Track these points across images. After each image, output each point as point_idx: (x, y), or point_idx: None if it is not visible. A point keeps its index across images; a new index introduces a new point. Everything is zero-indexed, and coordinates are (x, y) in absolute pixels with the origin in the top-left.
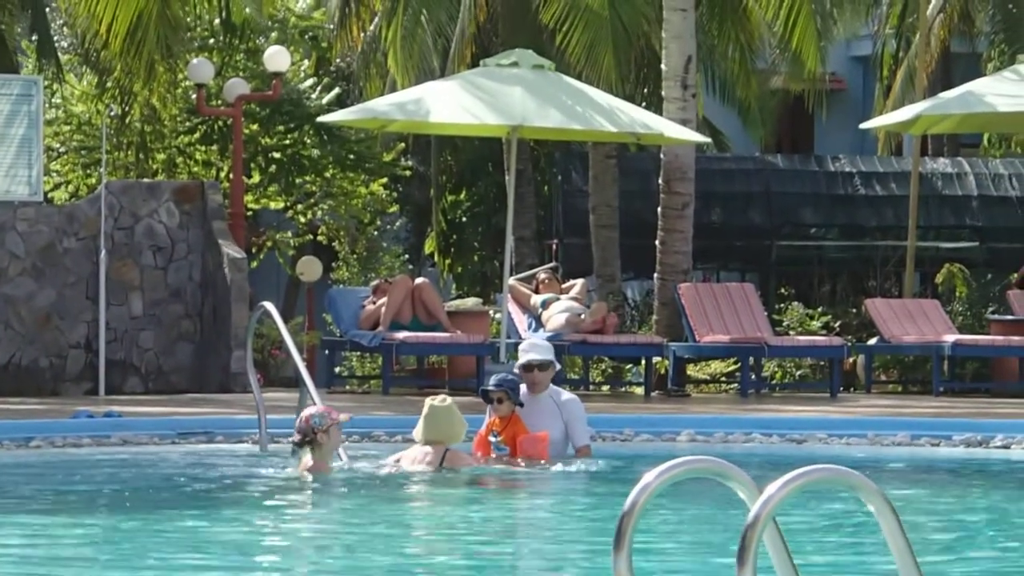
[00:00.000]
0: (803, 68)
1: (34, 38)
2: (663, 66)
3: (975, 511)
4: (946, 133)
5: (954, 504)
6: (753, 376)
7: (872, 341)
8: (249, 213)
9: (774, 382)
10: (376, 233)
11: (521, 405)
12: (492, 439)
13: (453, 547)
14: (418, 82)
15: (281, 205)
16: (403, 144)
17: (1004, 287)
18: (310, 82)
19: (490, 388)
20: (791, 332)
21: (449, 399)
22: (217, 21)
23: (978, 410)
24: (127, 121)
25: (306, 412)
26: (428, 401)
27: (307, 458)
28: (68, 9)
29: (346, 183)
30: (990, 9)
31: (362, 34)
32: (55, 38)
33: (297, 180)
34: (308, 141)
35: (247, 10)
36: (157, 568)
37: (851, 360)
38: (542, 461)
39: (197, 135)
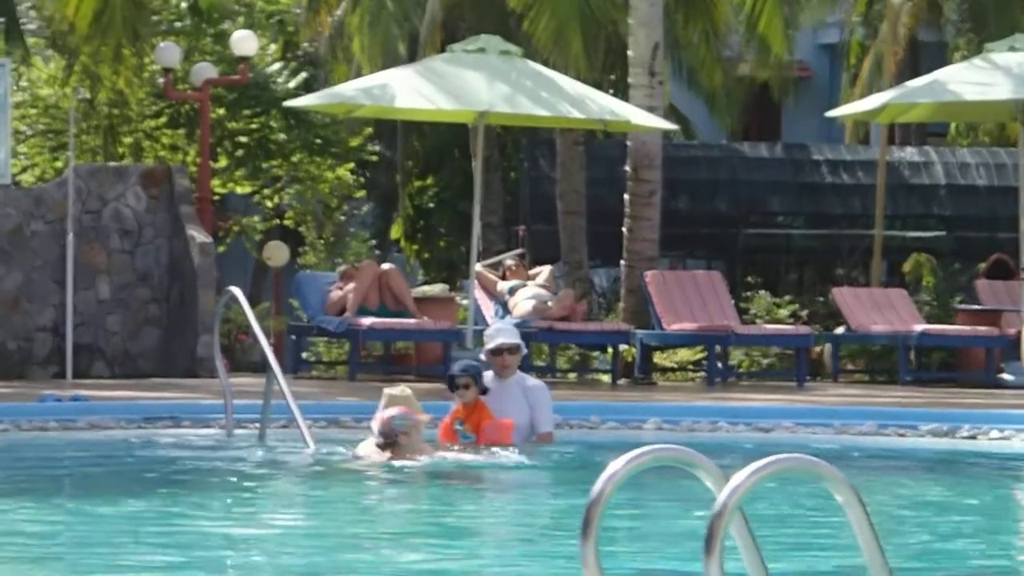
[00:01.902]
0: (769, 54)
1: (1, 21)
2: (630, 53)
3: (940, 501)
4: (913, 122)
5: (920, 494)
6: (720, 364)
7: (839, 330)
8: (216, 197)
9: (741, 371)
10: (343, 218)
11: (486, 391)
12: (458, 427)
13: (411, 540)
14: (383, 67)
15: (248, 190)
16: (370, 129)
17: (971, 277)
18: (277, 66)
19: (456, 374)
20: (758, 321)
21: (406, 388)
22: (184, 5)
23: (945, 400)
24: (94, 105)
25: (386, 413)
26: (385, 391)
27: (367, 446)
28: None
29: (313, 168)
30: None
31: (329, 19)
32: (22, 21)
33: (264, 164)
34: (275, 125)
35: None
36: (122, 552)
37: (818, 349)
38: (507, 447)
39: (164, 119)
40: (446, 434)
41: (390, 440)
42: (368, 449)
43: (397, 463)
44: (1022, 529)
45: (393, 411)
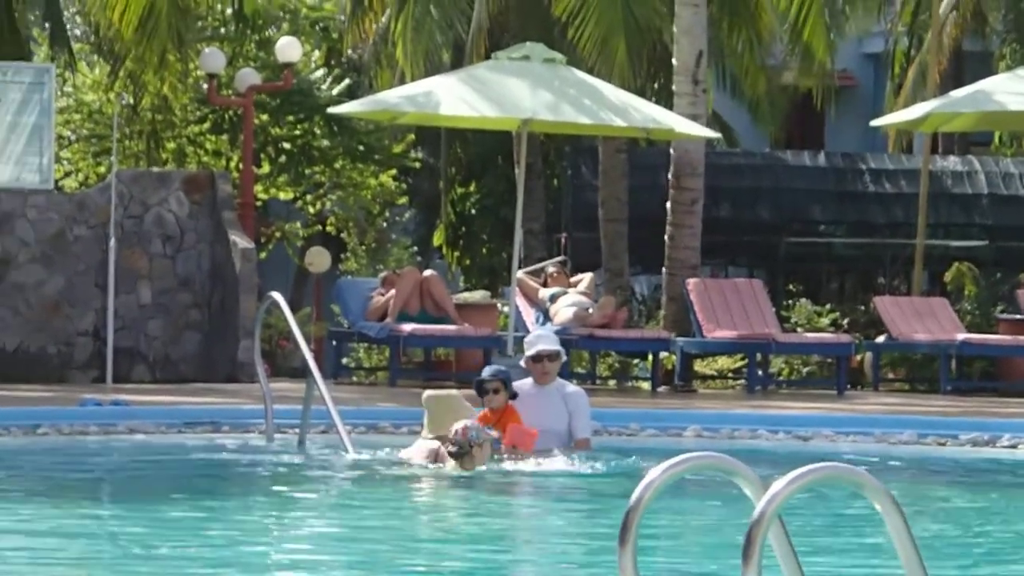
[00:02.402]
0: (813, 63)
1: (47, 26)
2: (674, 61)
3: (982, 511)
4: (957, 131)
5: (961, 503)
6: (760, 372)
7: (880, 339)
8: (258, 203)
9: (781, 379)
10: (385, 225)
11: (515, 396)
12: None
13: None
14: (427, 75)
15: (290, 196)
16: (413, 136)
17: (1013, 286)
18: (321, 73)
19: (486, 378)
20: (799, 329)
21: (453, 393)
22: (229, 11)
23: (985, 409)
24: (138, 110)
25: (463, 424)
26: (425, 395)
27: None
28: None
29: (355, 174)
30: (1003, 8)
31: (374, 25)
32: (67, 26)
33: (306, 171)
34: (318, 132)
35: (259, 0)
36: (161, 558)
37: (858, 358)
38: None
39: (207, 124)
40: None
41: (464, 451)
42: (415, 453)
43: (450, 470)
44: None
45: (470, 422)
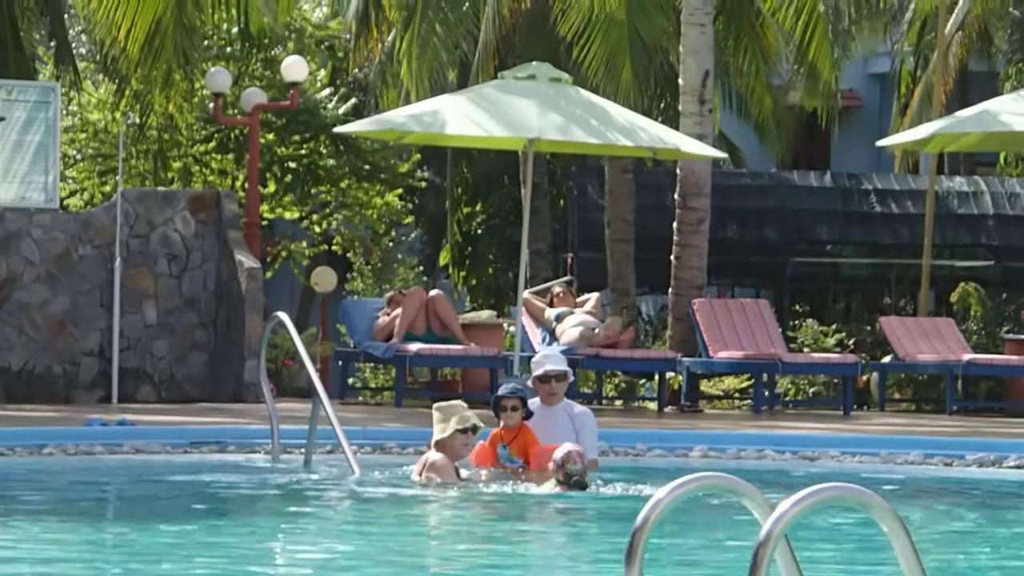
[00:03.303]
0: (819, 83)
1: (52, 45)
2: (680, 81)
3: (986, 531)
4: (963, 151)
5: (968, 524)
6: (766, 392)
7: (886, 359)
8: (264, 223)
9: (787, 399)
10: (391, 244)
11: (530, 416)
12: (501, 450)
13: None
14: (432, 94)
15: (296, 215)
16: (418, 155)
17: (1019, 306)
18: (326, 92)
19: (504, 395)
20: (805, 349)
21: (459, 403)
22: (235, 30)
23: (991, 429)
24: (144, 129)
25: (568, 452)
26: (436, 406)
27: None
28: (87, 15)
29: (361, 194)
30: (1008, 28)
31: (379, 44)
32: (73, 45)
33: (312, 190)
34: (324, 151)
35: (265, 19)
36: (164, 567)
37: (865, 378)
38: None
39: (213, 144)
40: (483, 457)
41: (580, 480)
42: (416, 468)
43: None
44: None
45: (572, 448)
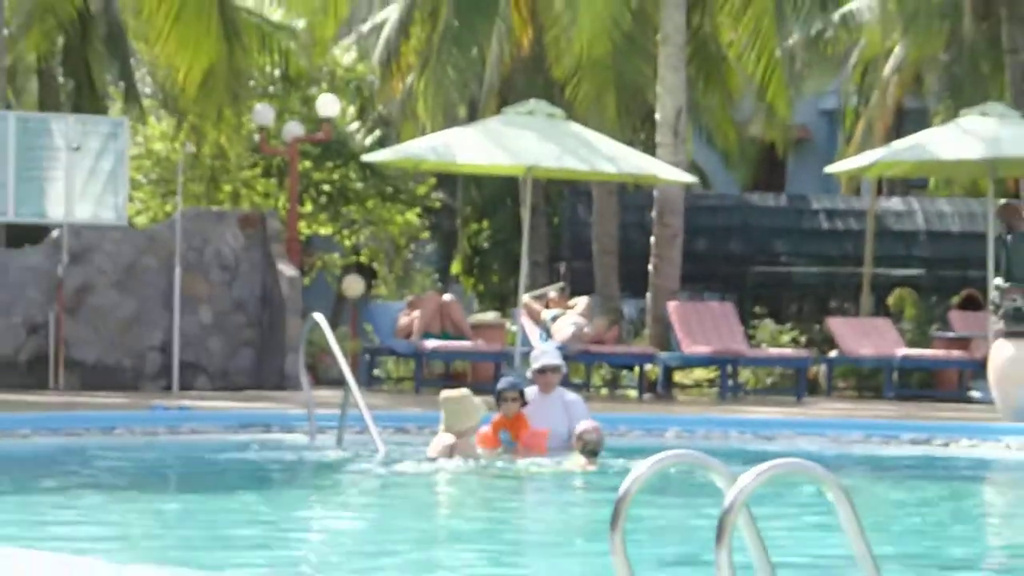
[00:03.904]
0: (776, 118)
1: (121, 85)
2: (657, 116)
3: (918, 500)
4: (898, 177)
5: (901, 493)
6: (731, 382)
7: (833, 354)
8: (302, 238)
9: (748, 388)
10: (410, 256)
11: (525, 404)
12: (503, 435)
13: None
14: (445, 127)
15: (329, 231)
16: (434, 180)
17: (946, 309)
18: (355, 126)
19: (506, 388)
20: (763, 345)
21: (464, 390)
22: (276, 72)
23: (922, 413)
24: (199, 157)
25: (588, 427)
26: (442, 394)
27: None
28: (150, 60)
29: (385, 213)
30: (938, 71)
31: (400, 85)
32: (138, 86)
33: (343, 210)
34: (353, 176)
35: (302, 64)
36: (222, 537)
37: (814, 370)
38: (542, 454)
39: (258, 170)
40: (487, 441)
41: (596, 451)
42: (433, 448)
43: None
44: (986, 522)
45: (589, 425)
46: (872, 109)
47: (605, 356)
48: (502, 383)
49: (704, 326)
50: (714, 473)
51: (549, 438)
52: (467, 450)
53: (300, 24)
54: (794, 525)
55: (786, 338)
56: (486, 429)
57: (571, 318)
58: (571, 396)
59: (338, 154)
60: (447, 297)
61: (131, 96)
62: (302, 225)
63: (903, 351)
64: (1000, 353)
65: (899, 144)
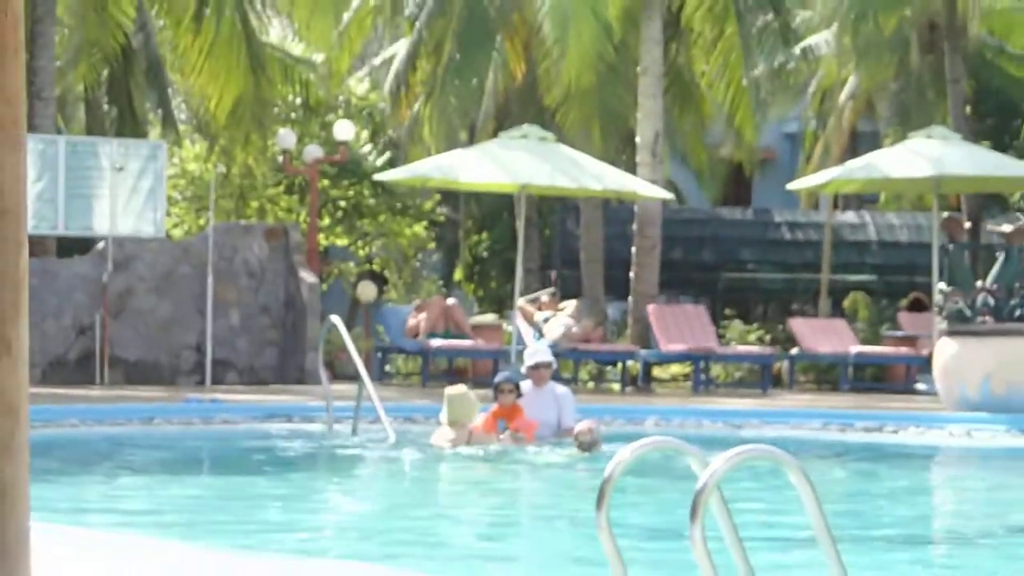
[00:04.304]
0: (743, 141)
1: (159, 112)
2: (637, 139)
3: (870, 480)
4: (852, 192)
5: (855, 475)
6: (703, 376)
7: (794, 351)
8: (321, 248)
9: (719, 381)
10: (417, 264)
11: (520, 396)
12: (500, 423)
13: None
14: (448, 149)
15: (345, 242)
16: (439, 196)
17: (896, 311)
18: (368, 148)
19: (503, 381)
20: (732, 343)
21: (463, 387)
22: (298, 101)
23: (874, 404)
24: (229, 177)
25: (588, 426)
26: (446, 391)
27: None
28: (185, 90)
29: (395, 226)
30: (888, 99)
31: (408, 112)
32: (175, 113)
33: (357, 223)
34: (366, 193)
35: (320, 93)
36: (247, 514)
37: (778, 365)
38: (528, 442)
39: (282, 188)
40: (486, 427)
41: (593, 444)
42: (438, 438)
43: (457, 450)
44: (931, 499)
45: (591, 424)
46: (829, 132)
47: (591, 353)
48: (499, 377)
49: (679, 326)
50: (689, 457)
51: (541, 426)
52: (481, 438)
53: (319, 58)
54: (762, 505)
55: (753, 337)
56: (486, 417)
57: (561, 319)
58: (561, 389)
59: (353, 174)
60: (450, 301)
61: (168, 122)
62: (321, 237)
63: (857, 348)
64: (944, 350)
65: (853, 163)
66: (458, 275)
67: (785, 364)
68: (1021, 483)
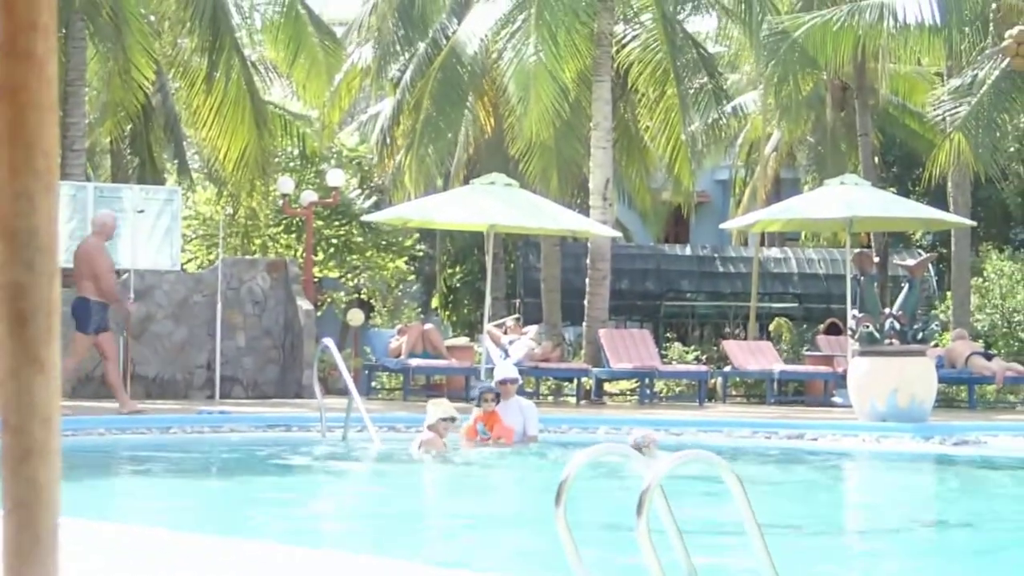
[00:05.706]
0: (682, 186)
1: (175, 161)
2: (590, 185)
3: (793, 482)
4: (776, 231)
5: (779, 476)
6: (648, 391)
7: (727, 368)
8: (316, 280)
9: (662, 395)
10: (399, 294)
11: (498, 403)
12: (480, 428)
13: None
14: (425, 194)
15: (337, 274)
16: (418, 234)
17: (814, 334)
18: (356, 193)
19: (485, 390)
20: (673, 362)
21: (444, 400)
22: (295, 152)
23: (796, 415)
24: (235, 217)
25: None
26: (430, 401)
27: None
28: (198, 142)
29: (379, 260)
30: (807, 150)
31: (391, 161)
32: (189, 162)
33: (347, 258)
34: (355, 232)
35: (315, 144)
36: (251, 511)
37: (713, 381)
38: (508, 445)
39: (282, 227)
40: (469, 433)
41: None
42: (416, 442)
43: (432, 455)
44: (846, 498)
45: (641, 434)
46: (756, 179)
47: (551, 371)
48: (483, 386)
49: (627, 348)
50: (635, 461)
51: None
52: (435, 443)
53: (314, 114)
54: (697, 505)
55: (691, 356)
56: (468, 423)
57: (524, 342)
58: (525, 402)
59: (343, 215)
60: (428, 326)
61: (183, 170)
62: (315, 270)
63: (781, 366)
64: (857, 368)
65: (777, 206)
66: (435, 303)
67: (719, 380)
68: (923, 482)
